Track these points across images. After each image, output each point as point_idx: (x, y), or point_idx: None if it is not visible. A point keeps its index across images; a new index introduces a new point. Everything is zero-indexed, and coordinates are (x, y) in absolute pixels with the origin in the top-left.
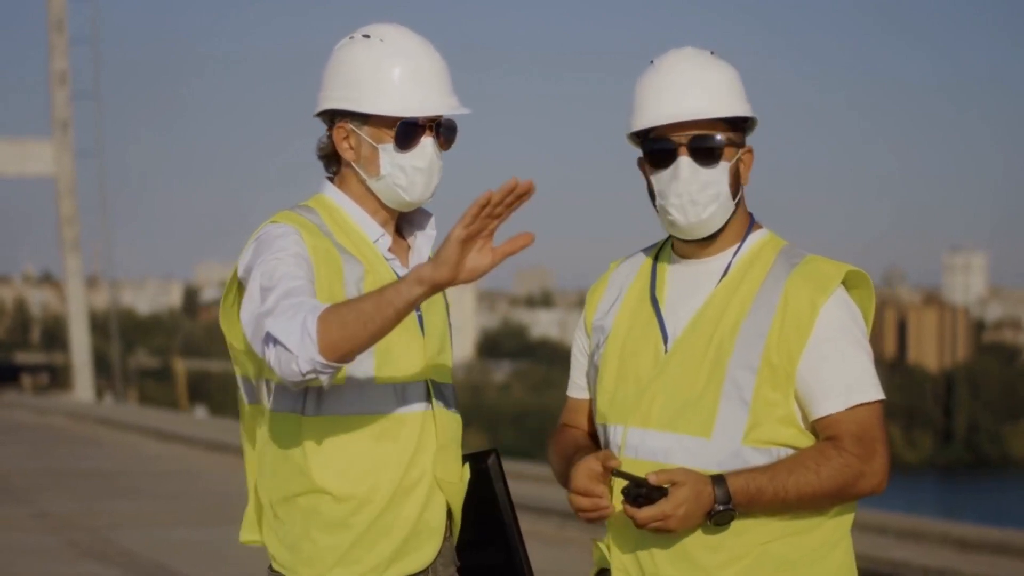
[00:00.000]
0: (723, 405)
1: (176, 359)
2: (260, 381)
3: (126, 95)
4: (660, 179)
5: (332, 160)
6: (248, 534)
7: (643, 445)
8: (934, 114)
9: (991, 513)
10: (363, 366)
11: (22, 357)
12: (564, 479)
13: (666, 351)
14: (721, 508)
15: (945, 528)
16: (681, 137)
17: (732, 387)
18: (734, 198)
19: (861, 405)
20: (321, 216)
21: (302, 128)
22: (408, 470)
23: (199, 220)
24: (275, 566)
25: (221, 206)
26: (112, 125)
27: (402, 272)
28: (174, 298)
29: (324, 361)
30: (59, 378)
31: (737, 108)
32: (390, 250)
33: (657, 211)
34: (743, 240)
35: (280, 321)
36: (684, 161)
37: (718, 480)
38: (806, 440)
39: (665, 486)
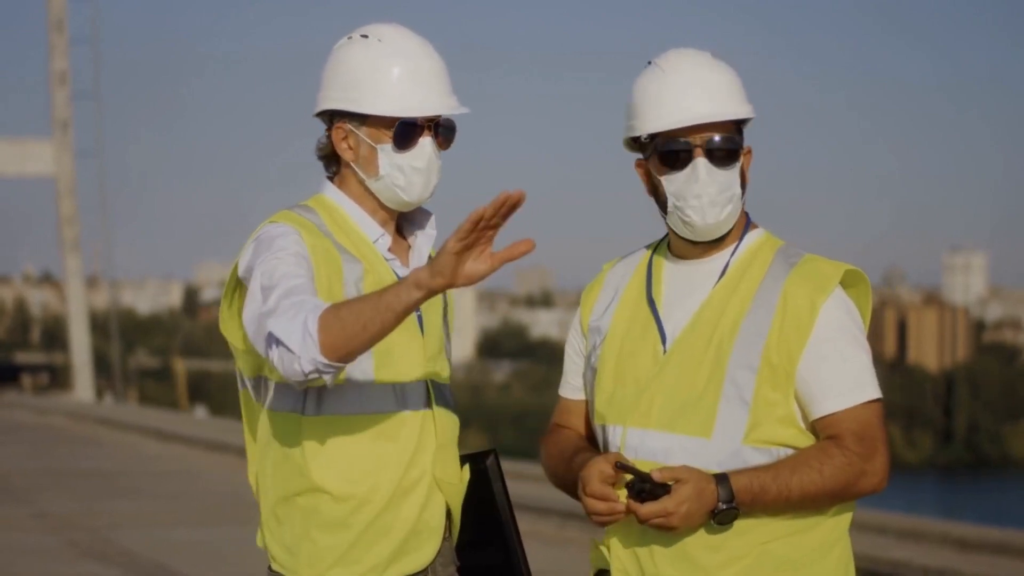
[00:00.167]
0: (723, 405)
1: (176, 359)
2: (260, 381)
3: (126, 95)
4: (674, 181)
5: (331, 160)
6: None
7: (642, 445)
8: (934, 114)
9: (991, 513)
10: (363, 366)
11: (22, 357)
12: (561, 480)
13: (664, 351)
14: (724, 506)
15: (945, 528)
16: (697, 139)
17: (732, 387)
18: (742, 198)
19: (862, 404)
20: (321, 216)
21: (302, 128)
22: (408, 470)
23: (199, 220)
24: (274, 566)
25: (221, 206)
26: (112, 125)
27: (402, 272)
28: (174, 298)
29: (326, 361)
30: (59, 378)
31: (746, 109)
32: (390, 250)
33: (667, 213)
34: (740, 240)
35: (282, 321)
36: (701, 163)
37: (721, 478)
38: (806, 440)
39: (668, 483)
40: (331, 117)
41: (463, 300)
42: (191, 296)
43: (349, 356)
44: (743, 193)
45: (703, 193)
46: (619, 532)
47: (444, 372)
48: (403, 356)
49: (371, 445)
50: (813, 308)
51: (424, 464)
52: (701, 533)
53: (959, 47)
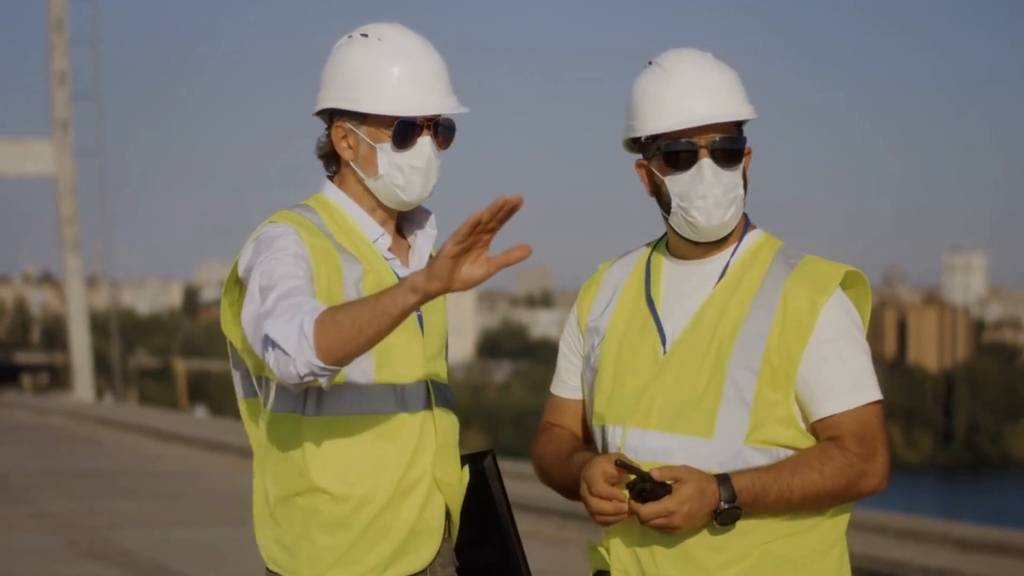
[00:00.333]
0: (724, 406)
1: (176, 359)
2: (260, 381)
3: (126, 95)
4: (678, 181)
5: (331, 159)
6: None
7: (642, 446)
8: (934, 114)
9: (991, 513)
10: (363, 367)
11: (22, 357)
12: (555, 479)
13: (664, 352)
14: (726, 506)
15: (945, 528)
16: (701, 140)
17: (733, 388)
18: (744, 198)
19: (862, 405)
20: (321, 215)
21: (302, 128)
22: (407, 470)
23: (199, 220)
24: (273, 567)
25: (221, 206)
26: (112, 125)
27: (402, 272)
28: (174, 298)
29: (321, 364)
30: (59, 378)
31: (748, 109)
32: (390, 249)
33: (669, 213)
34: (740, 240)
35: (278, 324)
36: (707, 163)
37: (723, 479)
38: (806, 441)
39: (669, 483)
40: (331, 116)
41: (463, 300)
42: (191, 296)
43: (345, 359)
44: (745, 193)
45: (709, 194)
46: (619, 533)
47: (444, 373)
48: (403, 357)
49: (371, 445)
50: (814, 309)
51: (424, 464)
52: (702, 533)
53: (959, 47)
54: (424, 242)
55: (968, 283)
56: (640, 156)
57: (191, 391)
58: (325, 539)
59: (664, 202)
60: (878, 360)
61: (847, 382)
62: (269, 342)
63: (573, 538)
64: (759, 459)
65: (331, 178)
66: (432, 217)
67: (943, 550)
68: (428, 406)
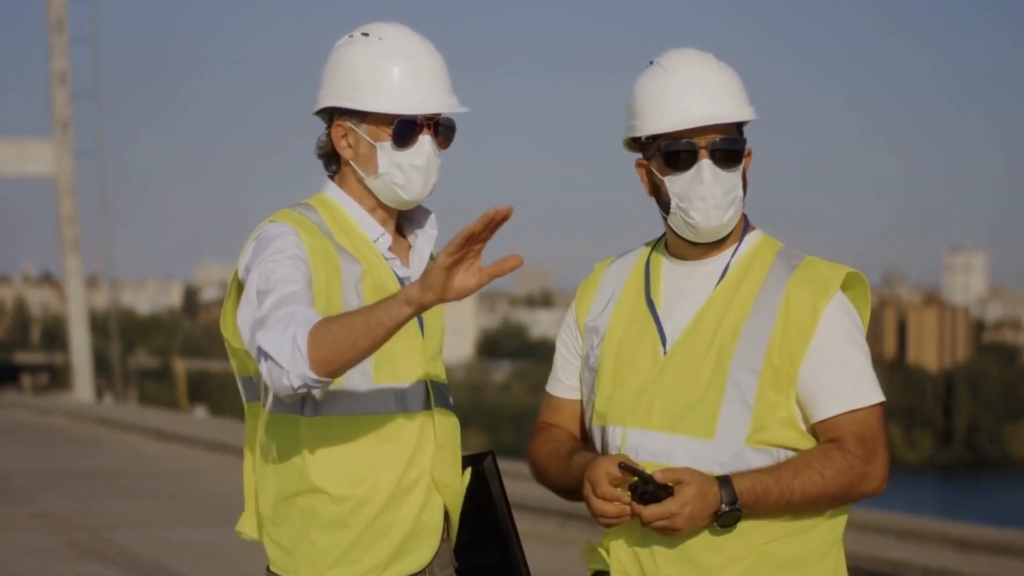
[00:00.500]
0: (725, 407)
1: (176, 359)
2: (260, 382)
3: (126, 95)
4: (678, 182)
5: (331, 159)
6: (245, 527)
7: (643, 446)
8: (934, 114)
9: (991, 513)
10: (363, 368)
11: (22, 357)
12: (553, 479)
13: (664, 352)
14: (727, 508)
15: (945, 528)
16: (701, 140)
17: (734, 389)
18: (743, 199)
19: (862, 407)
20: (321, 215)
21: (302, 128)
22: (407, 471)
23: (199, 220)
24: (273, 567)
25: (221, 206)
26: (112, 125)
27: (402, 272)
28: (174, 298)
29: (315, 376)
30: (59, 378)
31: (749, 110)
32: (390, 249)
33: (669, 213)
34: (740, 241)
35: (272, 334)
36: (706, 164)
37: (724, 481)
38: (806, 442)
39: (671, 485)
40: (331, 115)
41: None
42: (191, 296)
43: (339, 371)
44: (744, 194)
45: (708, 195)
46: (619, 533)
47: (443, 373)
48: (403, 358)
49: (370, 446)
50: (815, 311)
51: (423, 465)
52: (702, 534)
53: (959, 47)
54: (425, 242)
55: (968, 283)
56: (640, 156)
57: (191, 391)
58: (324, 539)
59: (663, 202)
60: (878, 360)
61: (848, 384)
62: (262, 353)
63: (573, 538)
64: (760, 460)
65: (331, 178)
66: (432, 217)
67: (943, 550)
68: (427, 407)
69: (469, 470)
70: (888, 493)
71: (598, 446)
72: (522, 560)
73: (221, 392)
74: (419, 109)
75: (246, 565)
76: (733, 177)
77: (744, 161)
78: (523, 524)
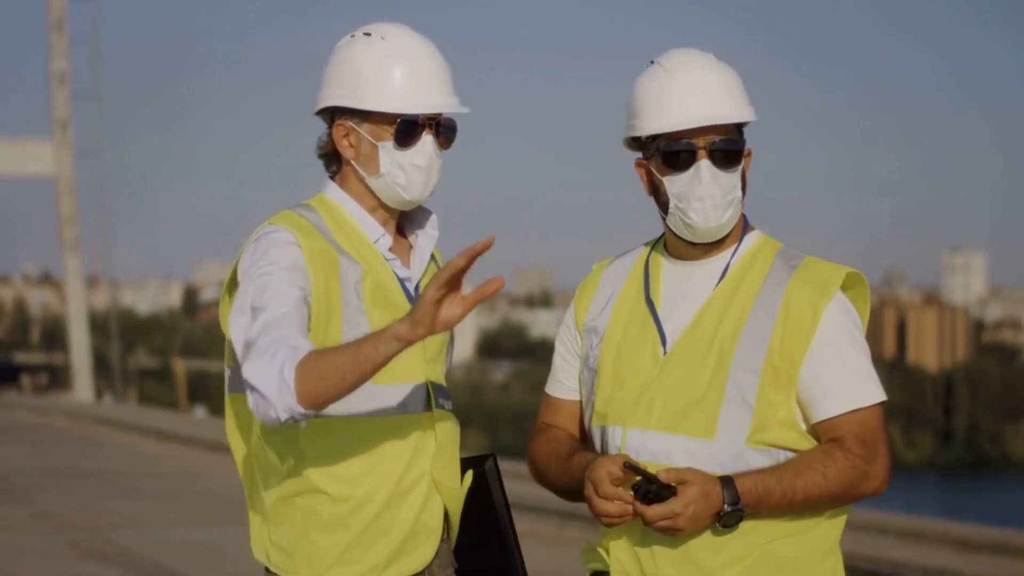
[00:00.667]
0: (726, 407)
1: (176, 359)
2: None
3: (126, 95)
4: (677, 182)
5: (332, 159)
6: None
7: (643, 446)
8: (934, 114)
9: (991, 513)
10: None
11: (22, 357)
12: (553, 480)
13: (664, 353)
14: (729, 508)
15: (945, 528)
16: (700, 140)
17: (735, 389)
18: (742, 200)
19: (863, 407)
20: (322, 216)
21: (302, 128)
22: (407, 472)
23: (199, 220)
24: (272, 567)
25: (221, 206)
26: (112, 125)
27: (402, 273)
28: (174, 298)
29: (302, 410)
30: (59, 378)
31: (749, 111)
32: (391, 250)
33: (667, 213)
34: (740, 241)
35: (259, 366)
36: (705, 165)
37: (726, 481)
38: (806, 443)
39: (674, 485)
40: (332, 115)
41: None
42: (191, 296)
43: (326, 404)
44: (743, 195)
45: (706, 195)
46: (619, 533)
47: (443, 374)
48: (403, 359)
49: (370, 447)
50: (816, 311)
51: (423, 466)
52: (703, 534)
53: (959, 47)
54: (425, 242)
55: (968, 283)
56: (640, 155)
57: (191, 391)
58: (324, 539)
59: (662, 202)
60: (878, 360)
61: (848, 384)
62: (249, 385)
63: (573, 538)
64: (760, 460)
65: (332, 178)
66: (434, 217)
67: (943, 550)
68: (428, 407)
69: (470, 472)
70: (888, 493)
71: (598, 446)
72: (521, 563)
73: (221, 392)
74: (421, 109)
75: (246, 565)
76: (732, 178)
77: (744, 162)
78: (523, 524)
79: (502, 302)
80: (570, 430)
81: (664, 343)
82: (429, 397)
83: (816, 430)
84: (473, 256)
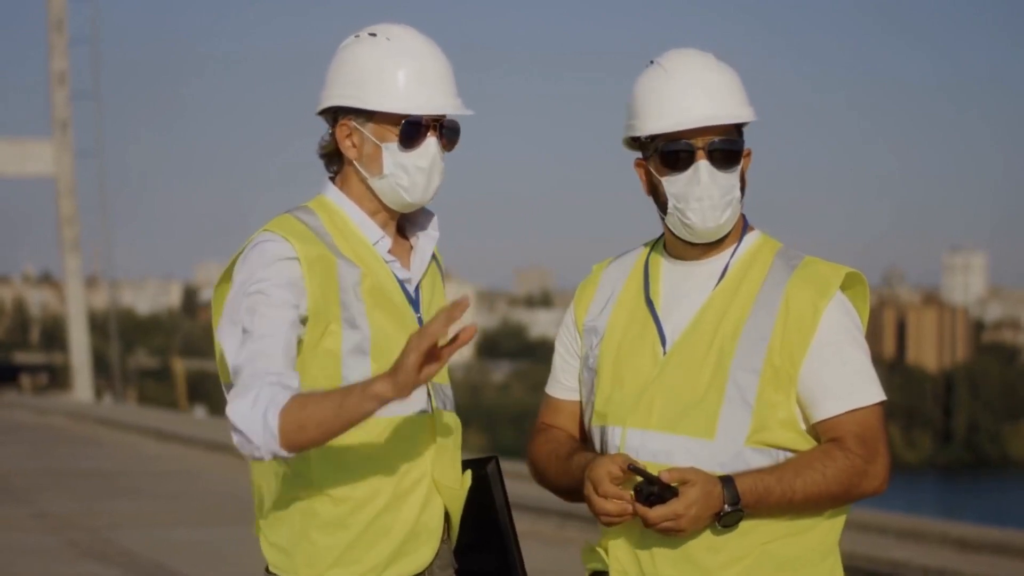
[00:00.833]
0: (726, 407)
1: (175, 359)
2: None
3: (126, 95)
4: (675, 182)
5: (333, 159)
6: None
7: (643, 446)
8: (934, 114)
9: (991, 513)
10: (362, 370)
11: (21, 357)
12: (553, 480)
13: (664, 353)
14: (730, 508)
15: (945, 528)
16: (699, 141)
17: (735, 389)
18: (741, 200)
19: (863, 407)
20: (321, 219)
21: (302, 128)
22: (407, 472)
23: (199, 220)
24: (272, 567)
25: (221, 206)
26: (112, 125)
27: (402, 274)
28: (174, 298)
29: (286, 454)
30: (58, 378)
31: (748, 111)
32: (390, 251)
33: (666, 213)
34: (739, 241)
35: (243, 409)
36: (703, 165)
37: (727, 481)
38: (806, 443)
39: (675, 485)
40: (335, 114)
41: None
42: (190, 296)
43: (307, 449)
44: (742, 195)
45: (705, 196)
46: (618, 533)
47: (443, 373)
48: None
49: (370, 447)
50: (816, 311)
51: (423, 466)
52: (702, 534)
53: (959, 47)
54: (426, 244)
55: (968, 283)
56: (639, 155)
57: (190, 391)
58: (323, 539)
59: (661, 202)
60: (877, 360)
61: (848, 384)
62: (234, 426)
63: (572, 538)
64: (759, 460)
65: (332, 178)
66: (435, 219)
67: (943, 550)
68: (428, 408)
69: (470, 472)
70: (888, 493)
71: (597, 446)
72: (521, 566)
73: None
74: (425, 110)
75: (246, 565)
76: (730, 178)
77: (743, 162)
78: (523, 524)
79: (501, 302)
80: (570, 430)
81: (664, 343)
82: (430, 398)
83: (816, 430)
84: (450, 321)
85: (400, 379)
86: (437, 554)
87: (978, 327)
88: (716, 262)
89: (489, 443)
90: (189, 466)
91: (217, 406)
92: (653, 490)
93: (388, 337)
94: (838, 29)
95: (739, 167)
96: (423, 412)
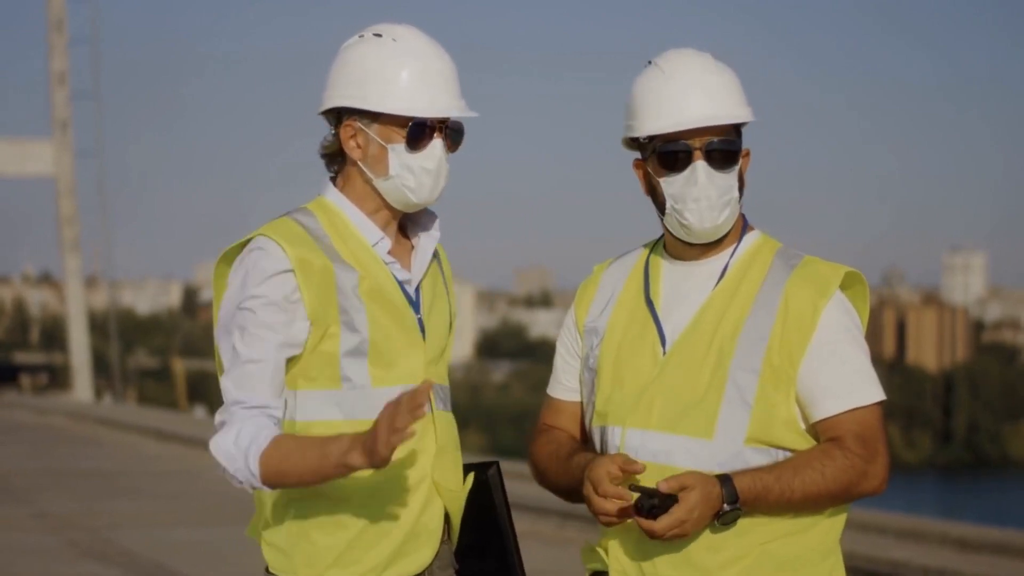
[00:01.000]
0: (725, 407)
1: (175, 359)
2: None
3: (126, 95)
4: (673, 183)
5: (334, 159)
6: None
7: (643, 446)
8: (934, 114)
9: (991, 513)
10: (362, 372)
11: (21, 357)
12: (553, 481)
13: (664, 353)
14: (728, 508)
15: (945, 528)
16: (696, 141)
17: (734, 389)
18: (739, 200)
19: (863, 406)
20: (319, 220)
21: (302, 128)
22: (407, 473)
23: (199, 220)
24: (271, 568)
25: (221, 206)
26: (112, 125)
27: (402, 276)
28: (173, 298)
29: (268, 489)
30: (58, 378)
31: (746, 111)
32: (390, 253)
33: (664, 213)
34: (739, 241)
35: (226, 444)
36: (701, 165)
37: (725, 480)
38: (805, 442)
39: (675, 492)
40: (339, 115)
41: (462, 301)
42: (190, 296)
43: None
44: (741, 196)
45: (702, 196)
46: (617, 533)
47: (444, 374)
48: (404, 361)
49: None
50: (815, 311)
51: (424, 467)
52: (702, 534)
53: (959, 47)
54: (428, 244)
55: (968, 283)
56: (639, 155)
57: (190, 391)
58: (323, 540)
59: (659, 203)
60: (877, 360)
61: (847, 383)
62: (216, 460)
63: (572, 538)
64: (759, 460)
65: (333, 179)
66: (437, 220)
67: (943, 550)
68: (428, 408)
69: (471, 475)
70: (888, 493)
71: (598, 446)
72: (521, 571)
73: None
74: (432, 112)
75: (246, 565)
76: (728, 178)
77: (741, 162)
78: (523, 524)
79: (501, 302)
80: (571, 431)
81: (664, 343)
82: (430, 399)
83: (815, 429)
84: (413, 407)
85: (374, 455)
86: (437, 554)
87: (978, 327)
88: (716, 262)
89: (489, 443)
90: (189, 466)
91: (217, 406)
92: (654, 502)
93: (388, 338)
94: (838, 29)
95: (737, 167)
96: (424, 414)
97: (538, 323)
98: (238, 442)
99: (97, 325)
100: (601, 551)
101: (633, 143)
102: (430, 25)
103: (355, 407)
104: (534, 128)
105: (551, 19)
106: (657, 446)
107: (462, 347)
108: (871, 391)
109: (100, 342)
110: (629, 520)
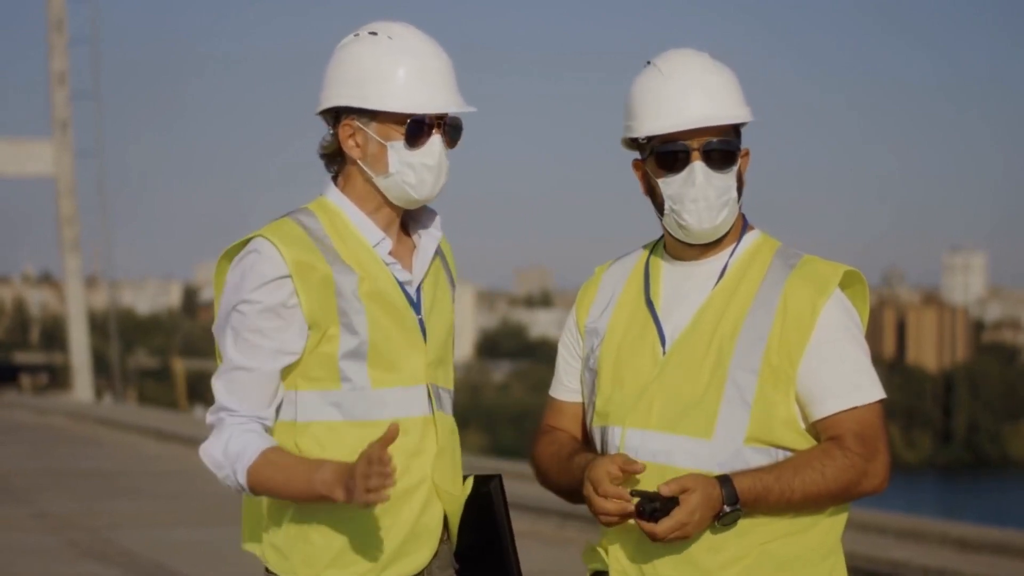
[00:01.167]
0: (724, 406)
1: (175, 359)
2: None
3: (126, 95)
4: (671, 183)
5: (334, 159)
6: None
7: (643, 446)
8: (934, 114)
9: (991, 513)
10: (362, 373)
11: (21, 357)
12: (555, 481)
13: (664, 353)
14: (729, 509)
15: (945, 528)
16: (694, 142)
17: (733, 389)
18: (738, 200)
19: (862, 405)
20: (321, 221)
21: (302, 128)
22: (407, 474)
23: (199, 220)
24: (271, 567)
25: (221, 206)
26: (112, 125)
27: (402, 276)
28: (173, 298)
29: (255, 495)
30: (58, 378)
31: (745, 111)
32: (391, 253)
33: (663, 214)
34: (738, 241)
35: (215, 452)
36: (699, 166)
37: (724, 481)
38: (805, 442)
39: (676, 495)
40: (337, 115)
41: (462, 301)
42: (190, 296)
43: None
44: (740, 196)
45: (700, 197)
46: (618, 533)
47: (446, 376)
48: (405, 363)
49: None
50: (814, 310)
51: (424, 469)
52: (702, 534)
53: (959, 47)
54: (429, 242)
55: (968, 283)
56: (638, 155)
57: (190, 391)
58: (322, 540)
59: (658, 203)
60: (877, 360)
61: (847, 382)
62: (207, 463)
63: (572, 538)
64: (758, 459)
65: (334, 179)
66: (438, 218)
67: (943, 550)
68: (429, 411)
69: (471, 478)
70: (888, 493)
71: (598, 447)
72: None
73: None
74: (430, 108)
75: (246, 565)
76: (727, 179)
77: (740, 162)
78: (523, 524)
79: (501, 302)
80: (573, 432)
81: (663, 343)
82: (431, 401)
83: (815, 429)
84: (384, 475)
85: (357, 493)
86: (436, 554)
87: (978, 327)
88: (715, 262)
89: (489, 443)
90: (189, 466)
91: None
92: (655, 505)
93: (388, 340)
94: (838, 29)
95: (736, 167)
96: (424, 415)
97: (538, 323)
98: (227, 452)
99: (97, 325)
100: (602, 551)
101: (632, 143)
102: (430, 25)
103: (355, 408)
104: (534, 128)
105: (551, 19)
106: (657, 446)
107: (462, 347)
108: (871, 390)
109: (100, 342)
110: (630, 520)
